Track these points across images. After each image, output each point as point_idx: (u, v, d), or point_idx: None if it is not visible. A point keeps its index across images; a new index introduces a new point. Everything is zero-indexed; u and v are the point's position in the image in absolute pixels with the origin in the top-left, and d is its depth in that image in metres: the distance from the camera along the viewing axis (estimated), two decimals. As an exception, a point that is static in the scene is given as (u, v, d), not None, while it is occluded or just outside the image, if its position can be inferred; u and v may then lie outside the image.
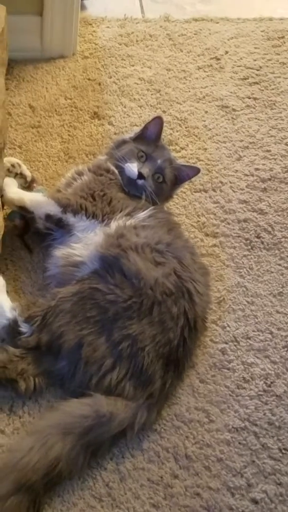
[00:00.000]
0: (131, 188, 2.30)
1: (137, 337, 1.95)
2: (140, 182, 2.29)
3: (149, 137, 2.42)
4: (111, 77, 3.06)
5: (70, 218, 2.21)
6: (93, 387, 1.93)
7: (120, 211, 2.21)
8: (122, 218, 2.19)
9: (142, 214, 2.21)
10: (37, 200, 2.24)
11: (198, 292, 2.09)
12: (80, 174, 2.35)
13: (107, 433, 1.85)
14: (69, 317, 1.98)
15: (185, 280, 2.06)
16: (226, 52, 3.29)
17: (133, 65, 3.15)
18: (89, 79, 3.03)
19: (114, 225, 2.17)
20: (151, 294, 1.99)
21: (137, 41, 3.29)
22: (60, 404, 1.92)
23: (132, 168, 2.30)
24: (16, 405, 1.95)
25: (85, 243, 2.16)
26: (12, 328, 2.02)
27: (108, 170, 2.33)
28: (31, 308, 2.06)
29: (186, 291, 2.05)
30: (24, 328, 2.01)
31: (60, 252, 2.18)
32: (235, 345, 2.17)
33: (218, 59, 3.25)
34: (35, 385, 1.97)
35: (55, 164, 2.65)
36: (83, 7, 3.33)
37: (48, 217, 2.22)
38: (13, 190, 2.28)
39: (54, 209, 2.21)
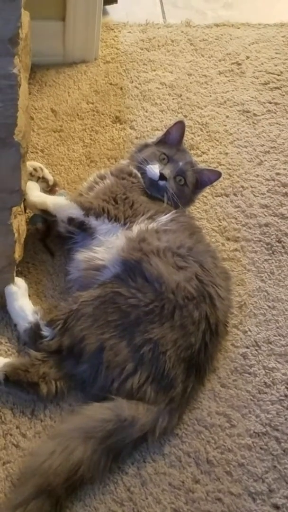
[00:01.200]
0: (153, 190, 2.31)
1: (159, 341, 1.95)
2: (161, 183, 2.29)
3: (171, 141, 2.43)
4: (132, 82, 3.07)
5: (92, 221, 2.21)
6: (115, 391, 1.93)
7: (142, 215, 2.22)
8: (144, 221, 2.19)
9: (164, 218, 2.21)
10: (59, 203, 2.25)
11: (220, 297, 2.09)
12: (102, 178, 2.35)
13: (129, 437, 1.86)
14: (91, 321, 1.98)
15: (206, 285, 2.06)
16: (247, 57, 3.28)
17: (154, 70, 3.16)
18: (111, 84, 3.04)
19: (136, 228, 2.17)
20: (172, 298, 1.99)
21: (158, 46, 3.30)
22: (81, 408, 1.93)
23: (154, 169, 2.30)
24: (38, 409, 1.96)
25: (106, 246, 2.17)
26: (34, 332, 2.03)
27: (130, 174, 2.34)
28: (53, 311, 2.07)
29: (208, 296, 2.05)
30: (46, 331, 2.02)
31: (82, 256, 2.19)
32: (256, 350, 2.17)
33: (239, 64, 3.25)
34: (56, 389, 1.97)
35: (77, 168, 2.66)
36: (105, 12, 3.34)
37: (71, 220, 2.23)
38: (36, 193, 2.29)
39: (76, 212, 2.22)
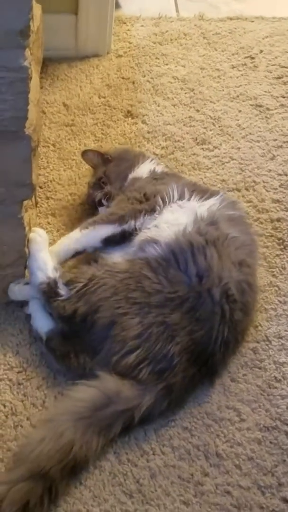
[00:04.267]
0: None
1: (171, 326, 1.94)
2: None
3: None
4: (145, 76, 3.07)
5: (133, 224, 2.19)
6: (112, 365, 1.94)
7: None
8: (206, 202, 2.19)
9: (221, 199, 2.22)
10: (82, 238, 2.20)
11: (252, 309, 2.13)
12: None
13: (114, 410, 1.85)
14: (110, 293, 1.97)
15: (252, 293, 2.09)
16: (261, 51, 3.28)
17: (167, 64, 3.15)
18: (123, 78, 3.04)
19: (205, 207, 2.16)
20: (204, 293, 1.97)
21: (171, 39, 3.30)
22: (68, 391, 1.93)
23: None
24: (48, 401, 1.97)
25: (169, 223, 2.14)
26: (51, 288, 2.03)
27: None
28: (73, 272, 2.08)
29: (245, 305, 2.05)
30: (62, 290, 2.02)
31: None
32: (266, 345, 2.16)
33: (253, 58, 3.24)
34: (84, 363, 1.99)
35: (89, 162, 2.67)
36: (117, 6, 3.34)
37: (107, 240, 2.19)
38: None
39: (112, 230, 2.19)
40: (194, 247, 2.03)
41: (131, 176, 2.40)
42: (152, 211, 2.18)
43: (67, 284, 2.03)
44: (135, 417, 1.88)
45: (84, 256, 2.21)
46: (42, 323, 2.08)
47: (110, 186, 2.39)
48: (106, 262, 2.07)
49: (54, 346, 2.03)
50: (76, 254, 2.18)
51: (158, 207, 2.18)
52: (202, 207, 2.16)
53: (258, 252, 2.27)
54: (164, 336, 1.93)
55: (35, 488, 1.71)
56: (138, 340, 1.93)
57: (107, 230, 2.18)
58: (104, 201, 2.36)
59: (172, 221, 2.13)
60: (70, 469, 1.78)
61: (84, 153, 2.53)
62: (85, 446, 1.80)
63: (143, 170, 2.41)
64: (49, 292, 2.03)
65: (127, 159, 2.47)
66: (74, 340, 2.01)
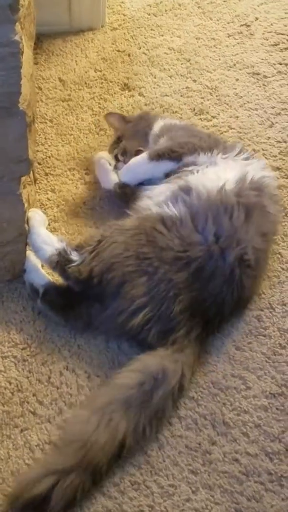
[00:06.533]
0: None
1: (177, 284, 1.95)
2: None
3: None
4: (140, 48, 3.05)
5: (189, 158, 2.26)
6: (119, 325, 1.96)
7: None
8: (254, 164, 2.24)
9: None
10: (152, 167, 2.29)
11: (260, 280, 2.16)
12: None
13: (168, 390, 1.86)
14: (121, 249, 1.99)
15: (264, 265, 2.14)
16: (256, 19, 3.24)
17: (162, 35, 3.13)
18: (118, 51, 3.02)
19: (253, 169, 2.19)
20: (217, 255, 1.98)
21: (165, 10, 3.27)
22: (111, 380, 1.92)
23: None
24: (54, 376, 1.98)
25: (214, 173, 2.17)
26: (62, 257, 2.05)
27: None
28: (79, 238, 2.12)
29: (257, 273, 2.08)
30: (74, 256, 2.04)
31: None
32: (270, 312, 2.16)
33: (248, 25, 3.21)
34: (82, 317, 2.04)
35: (87, 137, 2.66)
36: (110, -22, 3.31)
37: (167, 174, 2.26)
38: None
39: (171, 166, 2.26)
40: (222, 206, 2.04)
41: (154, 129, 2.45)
42: (209, 150, 2.25)
43: (77, 249, 2.04)
44: (185, 385, 1.91)
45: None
46: (39, 277, 2.12)
47: (126, 142, 2.44)
48: (114, 222, 2.09)
49: (51, 298, 2.05)
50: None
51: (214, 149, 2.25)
52: (250, 168, 2.19)
53: (279, 227, 2.29)
54: (170, 295, 1.94)
55: (85, 482, 1.70)
56: (145, 298, 1.95)
57: (168, 166, 2.26)
58: (120, 156, 2.42)
59: (212, 175, 2.16)
60: (116, 460, 1.78)
61: (107, 116, 2.58)
62: (139, 437, 1.80)
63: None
64: (62, 261, 2.04)
65: (146, 119, 2.52)
66: (69, 293, 2.04)
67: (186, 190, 2.11)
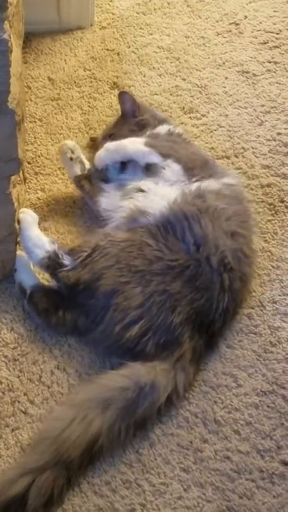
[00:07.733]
0: None
1: (173, 295, 1.94)
2: None
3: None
4: (129, 47, 3.05)
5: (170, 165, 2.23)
6: (114, 337, 1.94)
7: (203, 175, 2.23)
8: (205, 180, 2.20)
9: (224, 181, 2.23)
10: (140, 149, 2.27)
11: (249, 279, 2.14)
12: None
13: (154, 403, 1.84)
14: (113, 262, 1.98)
15: (248, 263, 2.10)
16: (245, 17, 3.25)
17: (151, 34, 3.13)
18: (107, 50, 3.02)
19: (195, 185, 2.16)
20: (203, 262, 1.98)
21: (154, 9, 3.26)
22: (96, 377, 1.92)
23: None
24: (45, 376, 1.97)
25: (157, 194, 2.16)
26: (53, 260, 2.03)
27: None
28: (74, 242, 2.12)
29: (243, 274, 2.06)
30: (66, 260, 2.03)
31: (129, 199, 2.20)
32: (261, 310, 2.16)
33: (237, 24, 3.21)
34: (64, 321, 2.02)
35: (76, 136, 2.65)
36: (99, -23, 3.31)
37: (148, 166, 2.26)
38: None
39: (156, 159, 2.24)
40: (189, 215, 2.04)
41: (151, 131, 2.43)
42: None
43: (71, 253, 2.04)
44: (173, 401, 1.90)
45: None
46: (28, 277, 2.11)
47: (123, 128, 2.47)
48: (108, 232, 2.08)
49: (37, 300, 2.05)
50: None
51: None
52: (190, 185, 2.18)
53: (252, 223, 2.25)
54: (167, 306, 1.93)
55: (59, 478, 1.70)
56: (141, 309, 1.93)
57: (154, 160, 2.25)
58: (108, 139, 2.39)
59: (161, 193, 2.14)
60: (89, 461, 1.77)
61: (121, 94, 2.53)
62: (113, 439, 1.79)
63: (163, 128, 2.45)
64: (52, 265, 2.04)
65: (153, 115, 2.52)
66: (56, 297, 2.04)
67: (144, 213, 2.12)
